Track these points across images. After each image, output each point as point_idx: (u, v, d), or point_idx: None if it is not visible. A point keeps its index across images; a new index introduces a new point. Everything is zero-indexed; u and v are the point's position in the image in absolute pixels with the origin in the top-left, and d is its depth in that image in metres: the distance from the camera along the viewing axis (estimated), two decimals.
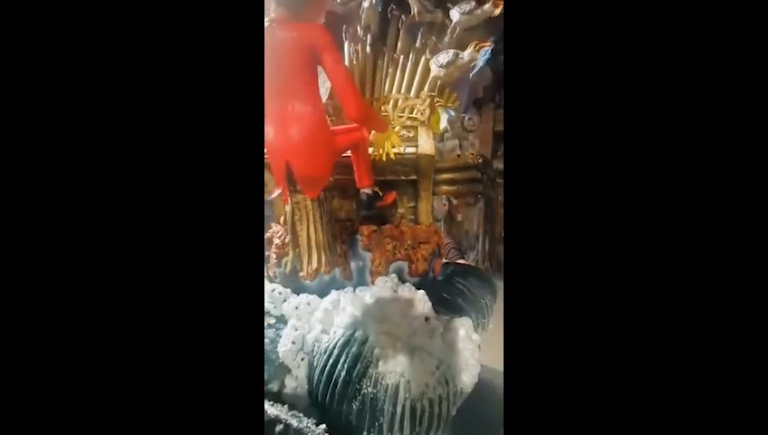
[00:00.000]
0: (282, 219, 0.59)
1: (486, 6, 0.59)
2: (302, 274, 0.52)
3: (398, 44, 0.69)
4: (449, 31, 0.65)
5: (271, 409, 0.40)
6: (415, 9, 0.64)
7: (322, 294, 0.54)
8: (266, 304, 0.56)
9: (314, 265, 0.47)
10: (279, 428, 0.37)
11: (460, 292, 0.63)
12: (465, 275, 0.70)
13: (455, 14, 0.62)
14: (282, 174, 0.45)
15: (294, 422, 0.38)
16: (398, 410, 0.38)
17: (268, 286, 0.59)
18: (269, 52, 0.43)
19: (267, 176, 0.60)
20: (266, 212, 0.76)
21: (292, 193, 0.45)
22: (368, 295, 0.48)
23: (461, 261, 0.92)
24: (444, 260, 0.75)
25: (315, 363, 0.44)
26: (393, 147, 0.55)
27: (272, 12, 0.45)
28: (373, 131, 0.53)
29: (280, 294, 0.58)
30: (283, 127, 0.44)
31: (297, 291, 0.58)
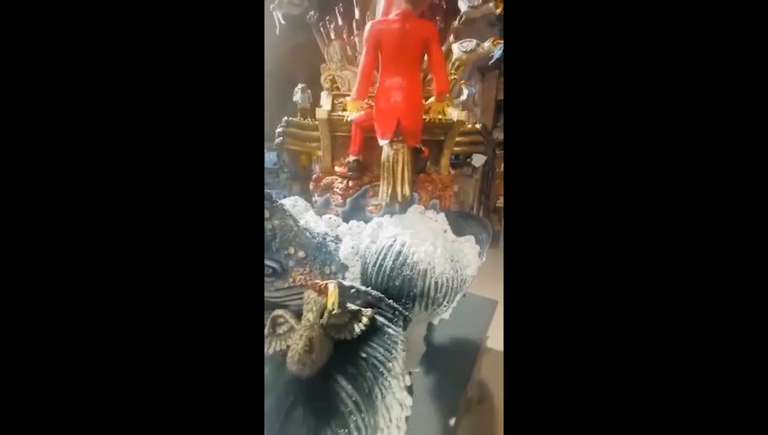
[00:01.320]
0: (344, 170, 0.78)
1: (491, 4, 0.75)
2: (369, 208, 0.72)
3: None
4: (457, 18, 0.80)
5: (345, 282, 0.62)
6: None
7: (367, 221, 0.75)
8: (325, 228, 0.77)
9: (406, 193, 0.69)
10: (353, 290, 0.59)
11: (462, 227, 0.85)
12: (467, 218, 0.91)
13: (462, 4, 0.76)
14: (392, 129, 0.65)
15: (362, 288, 0.59)
16: (426, 283, 0.60)
17: (325, 216, 0.79)
18: (393, 38, 0.63)
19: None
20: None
21: (395, 142, 0.66)
22: (404, 216, 0.68)
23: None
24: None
25: (368, 261, 0.65)
26: (441, 114, 0.74)
27: (396, 8, 0.64)
28: (431, 99, 0.73)
29: (335, 220, 0.78)
30: (396, 94, 0.64)
31: (346, 220, 0.78)
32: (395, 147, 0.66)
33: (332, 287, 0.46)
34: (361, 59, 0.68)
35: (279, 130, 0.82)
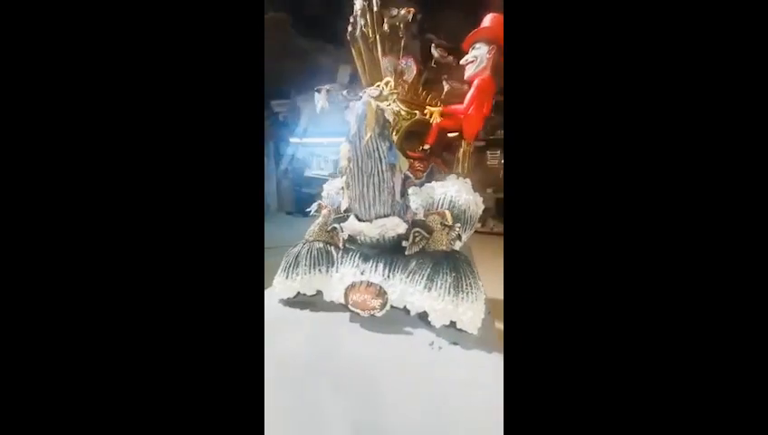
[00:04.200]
0: (419, 154, 1.24)
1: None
2: (436, 177, 1.20)
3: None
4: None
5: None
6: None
7: (421, 186, 1.23)
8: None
9: (471, 168, 1.20)
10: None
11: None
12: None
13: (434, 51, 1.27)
14: (473, 135, 1.18)
15: None
16: (467, 216, 1.10)
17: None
18: (477, 97, 1.11)
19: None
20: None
21: (472, 142, 1.17)
22: (447, 181, 1.18)
23: None
24: None
25: (428, 206, 1.15)
26: None
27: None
28: None
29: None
30: (479, 117, 1.13)
31: (420, 185, 1.26)
32: (470, 143, 1.20)
33: (447, 211, 0.96)
34: (468, 98, 1.17)
35: None
